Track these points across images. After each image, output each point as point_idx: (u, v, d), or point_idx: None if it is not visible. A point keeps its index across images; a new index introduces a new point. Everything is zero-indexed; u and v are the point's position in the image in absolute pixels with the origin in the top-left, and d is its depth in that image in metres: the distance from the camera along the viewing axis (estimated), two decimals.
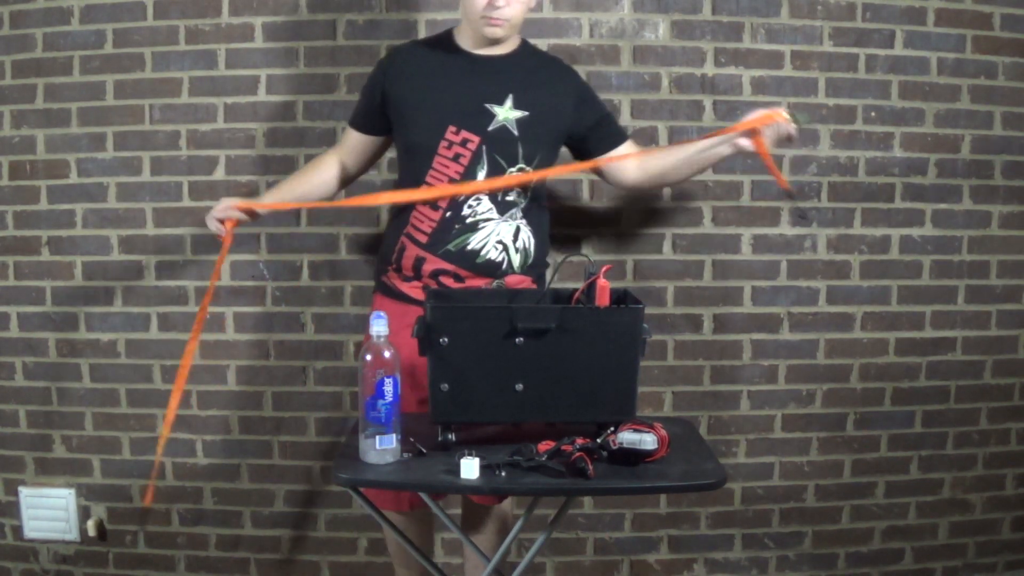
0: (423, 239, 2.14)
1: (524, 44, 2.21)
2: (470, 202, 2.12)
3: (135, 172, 2.62)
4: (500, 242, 2.14)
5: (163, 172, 2.62)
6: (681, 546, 2.78)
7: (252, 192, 2.61)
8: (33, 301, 2.68)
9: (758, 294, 2.68)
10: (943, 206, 2.68)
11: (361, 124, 2.26)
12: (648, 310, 1.84)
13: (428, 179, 2.12)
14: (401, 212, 2.20)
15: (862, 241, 2.68)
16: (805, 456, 2.75)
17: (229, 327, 2.67)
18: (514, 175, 2.11)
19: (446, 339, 1.76)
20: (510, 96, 2.12)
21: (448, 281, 2.13)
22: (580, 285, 1.93)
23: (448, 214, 2.12)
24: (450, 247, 2.12)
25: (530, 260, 2.20)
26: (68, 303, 2.68)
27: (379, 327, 1.74)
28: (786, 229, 2.66)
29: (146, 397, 2.70)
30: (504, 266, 2.15)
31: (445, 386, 1.78)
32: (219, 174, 2.62)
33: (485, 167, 2.11)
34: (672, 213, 2.64)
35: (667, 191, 2.62)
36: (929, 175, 2.66)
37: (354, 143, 2.28)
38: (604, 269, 1.89)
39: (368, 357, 1.73)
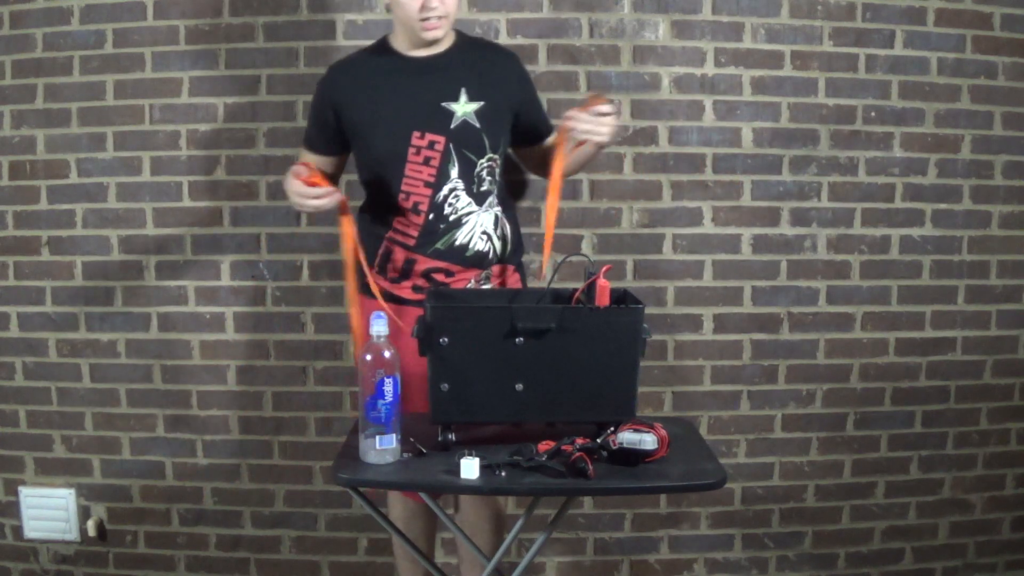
0: (411, 242, 2.16)
1: (460, 35, 2.22)
2: (449, 200, 2.14)
3: (135, 172, 2.62)
4: (484, 232, 2.18)
5: (163, 172, 2.62)
6: (681, 546, 2.78)
7: (252, 193, 2.62)
8: (33, 301, 2.68)
9: (758, 294, 2.68)
10: (943, 206, 2.68)
11: (321, 147, 2.24)
12: (648, 310, 1.84)
13: (404, 187, 2.13)
14: (378, 217, 2.20)
15: (862, 241, 2.68)
16: (805, 456, 2.75)
17: (229, 327, 2.67)
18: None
19: (446, 339, 1.76)
20: (463, 90, 2.13)
21: (440, 277, 2.17)
22: (580, 285, 1.92)
23: (431, 216, 2.14)
24: (439, 246, 2.15)
25: (510, 247, 2.24)
26: (68, 303, 2.68)
27: (379, 327, 1.74)
28: (786, 229, 2.66)
29: (146, 397, 2.70)
30: (490, 256, 2.20)
31: (445, 386, 1.78)
32: (219, 174, 2.62)
33: (456, 164, 2.13)
34: (672, 213, 2.64)
35: (667, 192, 2.62)
36: (929, 175, 2.66)
37: (317, 164, 2.21)
38: (604, 269, 1.89)
39: (368, 357, 1.73)
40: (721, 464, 1.80)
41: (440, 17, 2.05)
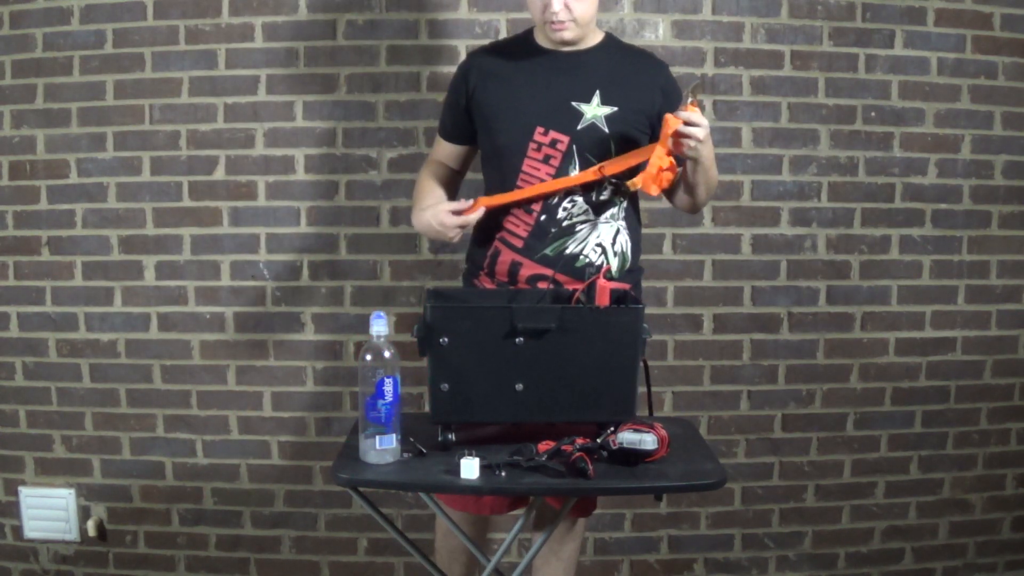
0: (518, 244, 2.07)
1: (609, 37, 2.14)
2: (564, 204, 2.04)
3: (135, 172, 2.62)
4: (599, 245, 2.06)
5: (163, 172, 2.62)
6: (681, 546, 2.78)
7: (253, 193, 2.62)
8: (33, 301, 2.68)
9: (758, 294, 2.68)
10: (943, 206, 2.68)
11: (451, 134, 2.19)
12: (648, 310, 1.83)
13: (519, 183, 2.05)
14: (493, 216, 2.09)
15: (862, 241, 2.68)
16: (805, 456, 2.75)
17: (229, 327, 2.67)
18: (588, 171, 2.02)
19: (446, 339, 1.76)
20: (597, 92, 2.03)
21: (545, 287, 2.02)
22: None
23: (543, 217, 2.04)
24: (547, 251, 2.04)
25: (628, 264, 2.12)
26: (68, 303, 2.68)
27: (379, 327, 1.74)
28: (786, 229, 2.66)
29: (146, 397, 2.70)
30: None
31: (445, 386, 1.78)
32: (219, 174, 2.62)
33: (577, 167, 2.03)
34: (672, 213, 2.63)
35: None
36: (929, 175, 2.66)
37: (448, 152, 2.20)
38: (604, 269, 1.89)
39: (368, 357, 1.73)
40: (721, 464, 1.80)
41: (564, 20, 1.97)
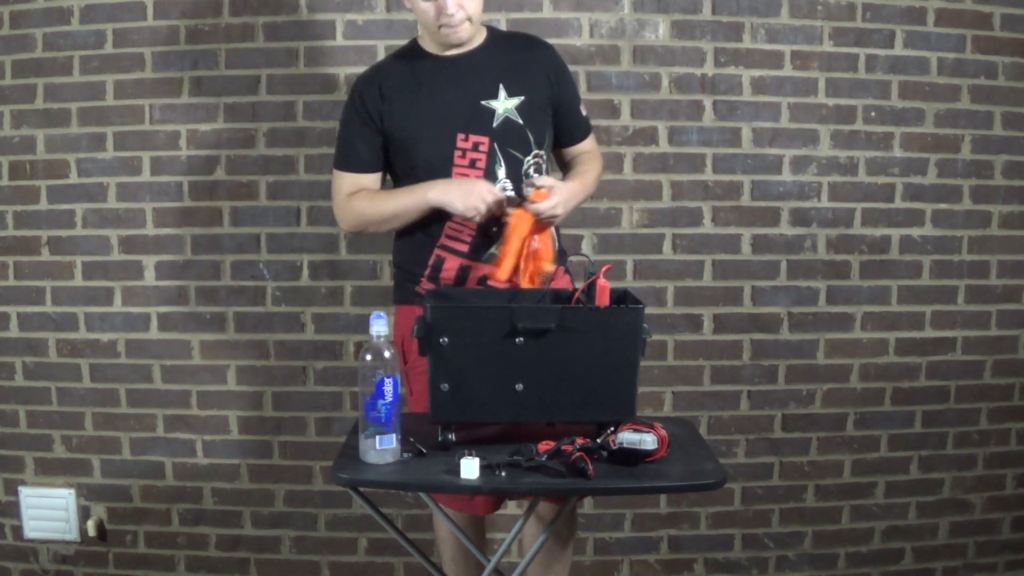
0: (463, 248, 2.08)
1: (491, 31, 2.16)
2: None
3: (135, 172, 2.62)
4: None
5: (163, 172, 2.62)
6: (681, 546, 2.78)
7: (252, 193, 2.62)
8: (33, 301, 2.68)
9: (758, 294, 2.68)
10: (943, 206, 2.68)
11: (369, 164, 2.13)
12: (648, 310, 1.83)
13: None
14: (425, 227, 2.09)
15: (862, 241, 2.68)
16: (805, 456, 2.75)
17: (229, 327, 2.67)
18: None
19: (446, 339, 1.76)
20: (501, 86, 2.06)
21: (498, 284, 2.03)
22: (580, 285, 1.92)
23: (484, 220, 2.05)
24: (494, 250, 2.05)
25: (557, 246, 2.14)
26: (68, 303, 2.68)
27: (379, 327, 1.74)
28: (786, 229, 2.66)
29: (146, 397, 2.70)
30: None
31: (445, 386, 1.78)
32: (219, 174, 2.62)
33: (503, 164, 2.06)
34: (672, 213, 2.64)
35: (667, 192, 2.62)
36: (929, 175, 2.66)
37: (368, 184, 2.14)
38: (604, 269, 1.89)
39: (368, 357, 1.73)
40: (721, 464, 1.80)
41: (462, 20, 1.99)
